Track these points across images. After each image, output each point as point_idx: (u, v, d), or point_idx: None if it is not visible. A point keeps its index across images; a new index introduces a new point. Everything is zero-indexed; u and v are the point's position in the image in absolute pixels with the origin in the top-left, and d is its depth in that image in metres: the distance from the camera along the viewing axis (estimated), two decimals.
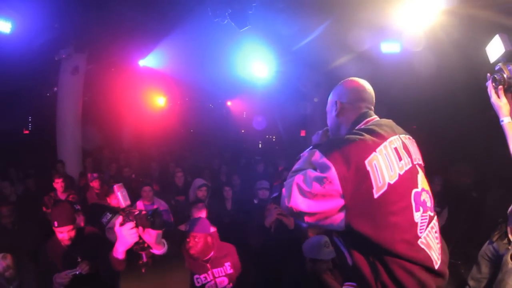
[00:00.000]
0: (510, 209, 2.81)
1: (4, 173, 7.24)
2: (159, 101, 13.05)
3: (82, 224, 3.99)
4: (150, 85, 11.75)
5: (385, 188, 1.50)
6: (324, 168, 1.53)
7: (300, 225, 3.93)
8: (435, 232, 1.65)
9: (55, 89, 8.86)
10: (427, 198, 1.63)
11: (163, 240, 2.20)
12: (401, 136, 1.72)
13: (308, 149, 1.93)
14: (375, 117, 1.83)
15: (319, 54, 8.13)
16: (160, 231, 2.11)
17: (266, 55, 8.68)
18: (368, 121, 1.79)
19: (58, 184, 5.70)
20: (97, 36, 7.70)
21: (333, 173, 1.49)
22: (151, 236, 2.08)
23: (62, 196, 5.61)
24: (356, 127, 1.76)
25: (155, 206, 2.03)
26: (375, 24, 6.22)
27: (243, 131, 17.16)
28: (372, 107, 1.89)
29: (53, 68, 8.47)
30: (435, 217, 1.69)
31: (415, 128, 8.69)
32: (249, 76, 9.66)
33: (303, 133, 14.44)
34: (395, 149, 1.62)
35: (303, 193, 1.57)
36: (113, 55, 9.13)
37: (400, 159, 1.61)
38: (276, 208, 3.88)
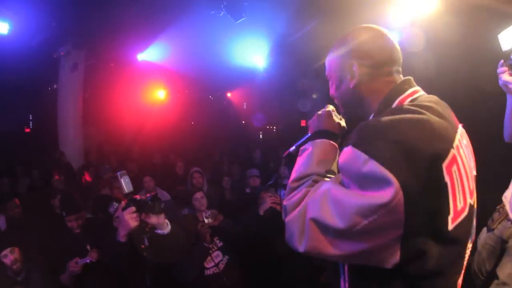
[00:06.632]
0: (506, 193, 2.83)
1: (8, 171, 7.33)
2: (159, 94, 13.06)
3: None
4: (150, 79, 11.80)
5: (465, 212, 0.97)
6: (378, 184, 0.88)
7: None
8: None
9: (55, 86, 8.93)
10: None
11: (166, 221, 2.35)
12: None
13: (307, 141, 1.30)
14: (419, 89, 1.15)
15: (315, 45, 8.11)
16: (161, 215, 2.26)
17: (263, 46, 8.74)
18: (414, 92, 1.12)
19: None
20: (94, 32, 7.76)
21: (395, 193, 0.86)
22: (152, 219, 2.23)
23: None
24: (404, 103, 1.09)
25: (153, 193, 2.15)
26: (372, 19, 6.19)
27: (243, 122, 17.15)
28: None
29: (52, 66, 8.54)
30: None
31: None
32: (248, 67, 9.75)
33: (303, 123, 14.37)
34: (466, 146, 1.06)
35: (329, 232, 0.96)
36: (112, 50, 9.20)
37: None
38: (270, 196, 3.84)
